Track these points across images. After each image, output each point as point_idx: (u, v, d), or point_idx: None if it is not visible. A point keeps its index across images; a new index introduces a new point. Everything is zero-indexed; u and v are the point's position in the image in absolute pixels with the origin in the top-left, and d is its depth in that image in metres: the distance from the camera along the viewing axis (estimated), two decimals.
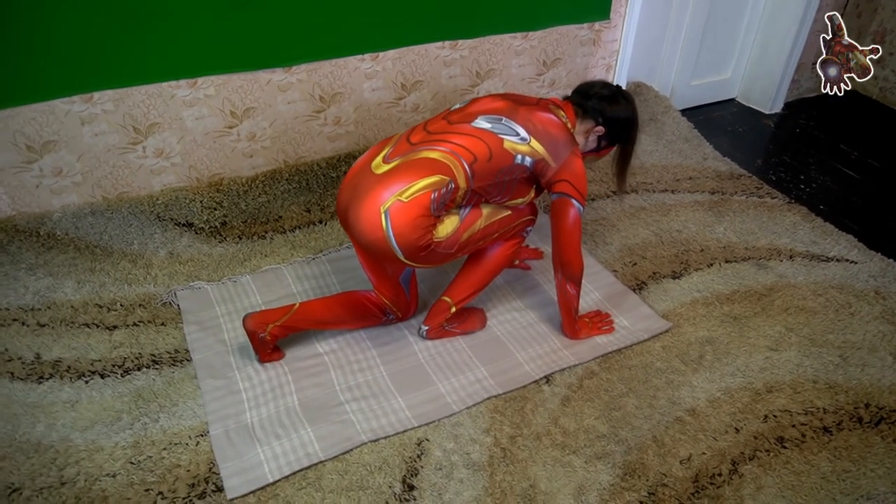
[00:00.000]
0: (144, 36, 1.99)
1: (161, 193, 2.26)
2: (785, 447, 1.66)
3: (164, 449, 1.61)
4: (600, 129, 1.80)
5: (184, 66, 2.09)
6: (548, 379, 1.83)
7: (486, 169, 1.68)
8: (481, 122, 1.70)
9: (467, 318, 1.98)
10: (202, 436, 1.65)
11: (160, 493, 1.51)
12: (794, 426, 1.72)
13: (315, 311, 1.86)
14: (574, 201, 1.73)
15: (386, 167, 1.67)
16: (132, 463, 1.57)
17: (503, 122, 1.70)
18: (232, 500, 1.51)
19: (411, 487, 1.55)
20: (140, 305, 2.03)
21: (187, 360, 1.87)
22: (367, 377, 1.83)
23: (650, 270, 2.24)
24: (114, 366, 1.83)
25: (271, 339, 1.81)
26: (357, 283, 2.11)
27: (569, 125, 1.76)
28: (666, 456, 1.63)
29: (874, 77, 3.45)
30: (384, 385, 1.81)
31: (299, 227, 2.38)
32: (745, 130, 3.21)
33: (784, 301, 2.11)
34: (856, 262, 2.28)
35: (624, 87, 1.88)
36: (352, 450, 1.63)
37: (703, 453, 1.64)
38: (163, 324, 1.98)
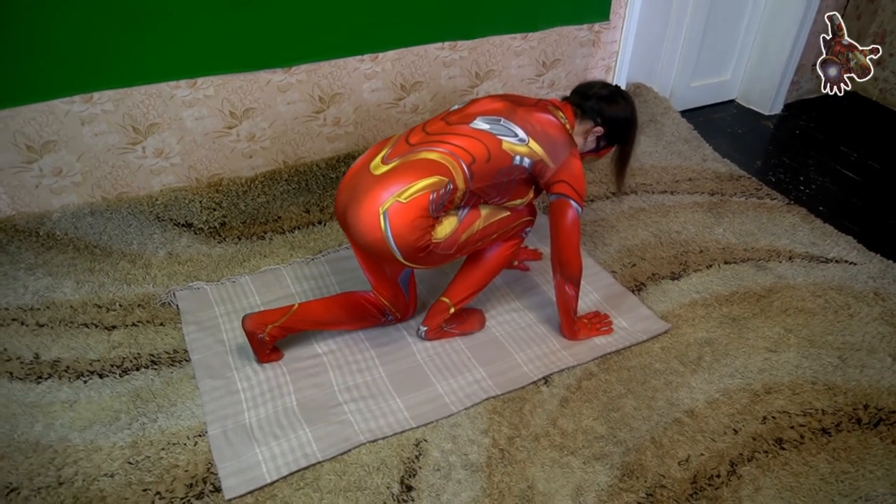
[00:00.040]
0: (144, 36, 1.99)
1: (160, 194, 2.26)
2: (783, 448, 1.66)
3: (163, 449, 1.61)
4: (599, 129, 1.80)
5: (183, 67, 2.10)
6: (546, 380, 1.83)
7: (484, 170, 1.68)
8: (480, 123, 1.71)
9: (466, 319, 1.98)
10: (200, 436, 1.65)
11: (158, 493, 1.51)
12: (792, 427, 1.72)
13: (314, 311, 1.86)
14: (572, 202, 1.73)
15: (385, 168, 1.67)
16: (130, 463, 1.57)
17: (502, 123, 1.71)
18: (230, 500, 1.51)
19: (409, 488, 1.55)
20: (139, 305, 2.03)
21: (186, 361, 1.87)
22: (365, 378, 1.83)
23: (649, 271, 2.24)
24: (112, 366, 1.83)
25: (270, 339, 1.81)
26: (356, 284, 2.11)
27: (567, 126, 1.76)
28: (664, 457, 1.63)
29: (874, 78, 3.46)
30: (383, 386, 1.81)
31: (298, 228, 2.38)
32: (745, 132, 3.21)
33: (783, 302, 2.11)
34: (855, 264, 2.28)
35: (623, 88, 1.88)
36: (350, 450, 1.63)
37: (702, 454, 1.64)
38: (161, 324, 1.98)
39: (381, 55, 2.38)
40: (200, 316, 2.01)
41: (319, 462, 1.60)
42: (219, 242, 2.29)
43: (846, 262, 2.29)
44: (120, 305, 2.02)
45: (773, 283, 2.19)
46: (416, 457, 1.62)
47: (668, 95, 3.18)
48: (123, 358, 1.86)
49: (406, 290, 1.91)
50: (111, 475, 1.55)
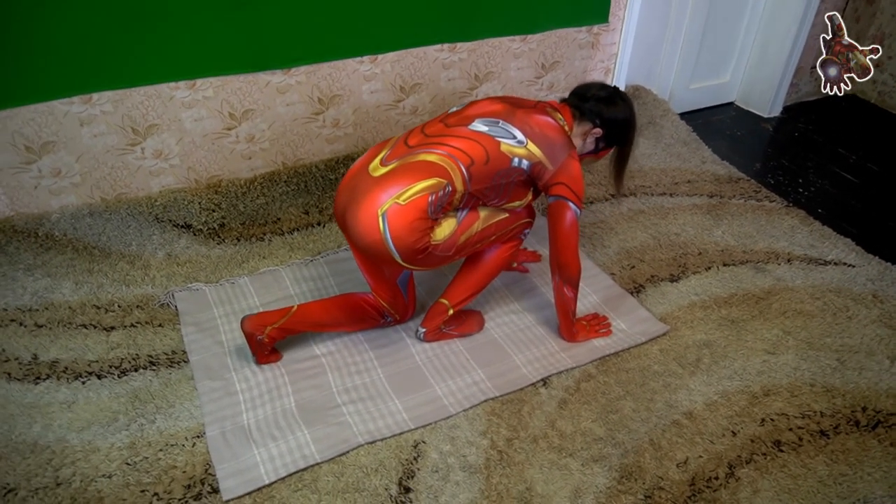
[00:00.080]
0: (144, 37, 1.99)
1: (159, 195, 2.26)
2: (782, 451, 1.66)
3: (161, 450, 1.61)
4: (598, 130, 1.80)
5: (183, 68, 2.10)
6: (545, 382, 1.83)
7: (483, 172, 1.68)
8: (478, 125, 1.71)
9: (465, 321, 1.98)
10: (199, 437, 1.65)
11: (156, 494, 1.51)
12: (791, 430, 1.72)
13: (313, 313, 1.86)
14: (571, 204, 1.73)
15: (383, 170, 1.67)
16: (128, 464, 1.57)
17: (500, 125, 1.71)
18: (228, 501, 1.51)
19: (407, 490, 1.55)
20: (138, 306, 2.03)
21: (184, 362, 1.87)
22: (364, 379, 1.83)
23: (648, 273, 2.24)
24: (111, 367, 1.83)
25: (269, 341, 1.81)
26: (355, 286, 2.11)
27: (566, 128, 1.77)
28: (663, 459, 1.63)
29: (873, 81, 3.47)
30: (381, 387, 1.81)
31: (297, 229, 2.39)
32: (744, 134, 3.21)
33: (782, 304, 2.11)
34: (854, 266, 2.28)
35: (622, 90, 1.88)
36: (348, 452, 1.62)
37: (700, 456, 1.64)
38: (160, 325, 1.98)
39: (380, 57, 2.39)
40: (199, 317, 2.01)
41: (318, 463, 1.59)
42: (218, 244, 2.29)
43: (845, 264, 2.30)
44: (119, 306, 2.02)
45: (772, 286, 2.19)
46: (415, 458, 1.62)
47: (668, 98, 3.19)
48: (122, 359, 1.86)
49: (405, 292, 1.91)
50: (109, 476, 1.54)
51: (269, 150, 2.39)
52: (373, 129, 2.54)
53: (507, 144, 1.69)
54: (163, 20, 1.99)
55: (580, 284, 1.93)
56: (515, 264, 2.24)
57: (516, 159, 1.70)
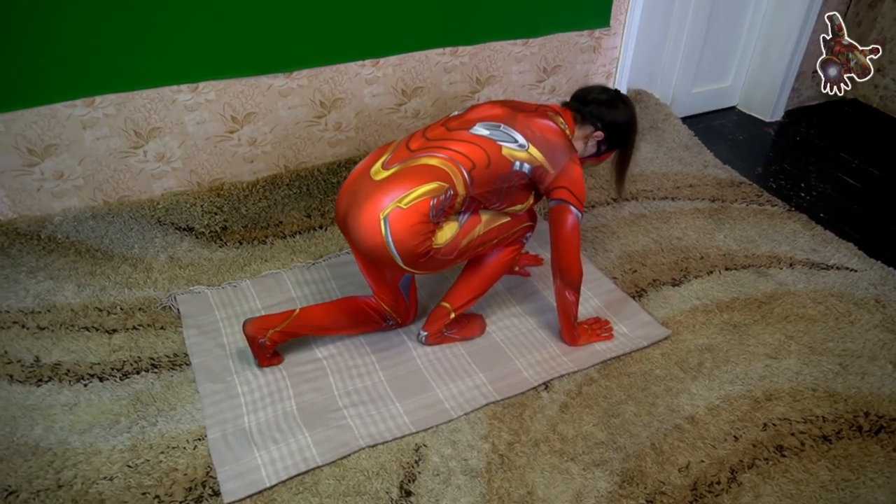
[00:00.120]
0: (146, 40, 2.00)
1: (162, 198, 2.26)
2: (784, 456, 1.66)
3: (162, 453, 1.61)
4: (599, 133, 1.80)
5: (185, 71, 2.10)
6: (546, 385, 1.83)
7: (484, 175, 1.68)
8: (480, 129, 1.71)
9: (466, 324, 1.98)
10: (200, 440, 1.65)
11: (157, 496, 1.51)
12: (793, 434, 1.71)
13: (315, 316, 1.86)
14: (572, 208, 1.73)
15: (385, 173, 1.67)
16: (129, 466, 1.57)
17: (501, 128, 1.71)
18: None
19: (408, 493, 1.54)
20: (140, 309, 2.04)
21: (186, 364, 1.87)
22: (365, 382, 1.83)
23: (650, 277, 2.24)
24: (113, 369, 1.83)
25: (271, 344, 1.81)
26: (357, 289, 2.12)
27: (567, 131, 1.77)
28: (664, 464, 1.63)
29: (874, 85, 3.47)
30: (382, 390, 1.81)
31: (299, 233, 2.39)
32: (746, 138, 3.21)
33: (784, 309, 2.11)
34: (856, 271, 2.28)
35: (623, 93, 1.88)
36: (349, 455, 1.62)
37: (702, 461, 1.64)
38: (162, 328, 1.98)
39: (382, 60, 2.39)
40: (201, 320, 2.01)
41: (319, 466, 1.59)
42: (220, 247, 2.30)
43: (847, 268, 2.29)
44: (121, 309, 2.03)
45: (774, 290, 2.19)
46: (416, 462, 1.62)
47: (669, 102, 3.19)
48: (124, 361, 1.86)
49: (407, 295, 1.91)
50: (110, 478, 1.54)
51: (271, 153, 2.39)
52: (375, 133, 2.54)
53: (508, 148, 1.69)
54: (165, 24, 1.99)
55: (582, 288, 1.93)
56: (517, 268, 2.24)
57: (517, 163, 1.70)
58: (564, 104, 1.86)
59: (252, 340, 1.79)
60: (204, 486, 1.54)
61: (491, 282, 1.91)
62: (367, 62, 2.37)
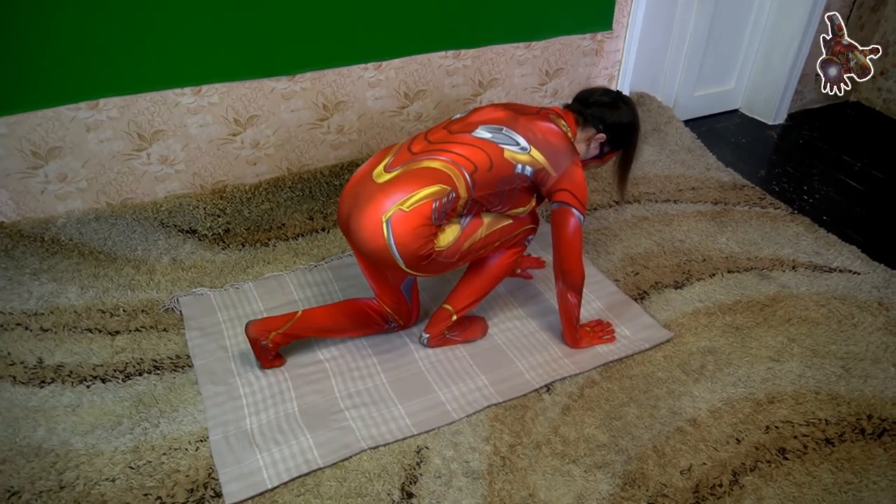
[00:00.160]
0: (150, 43, 2.01)
1: (165, 200, 2.27)
2: (786, 458, 1.65)
3: (164, 454, 1.61)
4: (602, 136, 1.80)
5: (188, 74, 2.11)
6: (548, 388, 1.83)
7: (486, 178, 1.68)
8: (482, 132, 1.71)
9: (468, 327, 1.98)
10: (202, 441, 1.65)
11: (159, 498, 1.52)
12: (795, 437, 1.71)
13: (317, 318, 1.86)
14: (574, 210, 1.73)
15: (387, 176, 1.67)
16: (131, 468, 1.58)
17: (503, 131, 1.71)
18: None
19: (410, 495, 1.54)
20: (143, 311, 2.04)
21: (188, 366, 1.87)
22: (367, 384, 1.83)
23: (652, 280, 2.24)
24: (115, 371, 1.84)
25: (273, 346, 1.81)
26: (359, 291, 2.12)
27: (569, 134, 1.77)
28: (666, 466, 1.63)
29: (878, 88, 3.46)
30: (384, 392, 1.81)
31: (302, 235, 2.39)
32: (749, 141, 3.21)
33: (786, 312, 2.10)
34: (859, 273, 2.28)
35: (624, 94, 1.88)
36: (351, 457, 1.62)
37: (704, 464, 1.64)
38: (165, 329, 1.99)
39: (384, 63, 2.40)
40: (203, 322, 2.01)
41: (320, 468, 1.59)
42: (222, 249, 2.30)
43: (850, 271, 2.29)
44: (124, 311, 2.03)
45: (777, 293, 2.18)
46: (418, 464, 1.62)
47: (672, 105, 3.19)
48: (126, 363, 1.86)
49: (409, 298, 1.91)
50: (112, 479, 1.55)
51: (273, 155, 2.40)
52: (377, 136, 2.55)
53: (510, 151, 1.69)
54: (168, 27, 2.00)
55: (584, 291, 1.93)
56: (519, 270, 2.24)
57: (519, 166, 1.70)
58: (566, 107, 1.86)
59: (254, 342, 1.79)
60: (206, 488, 1.54)
61: (493, 284, 1.91)
62: (370, 65, 2.38)
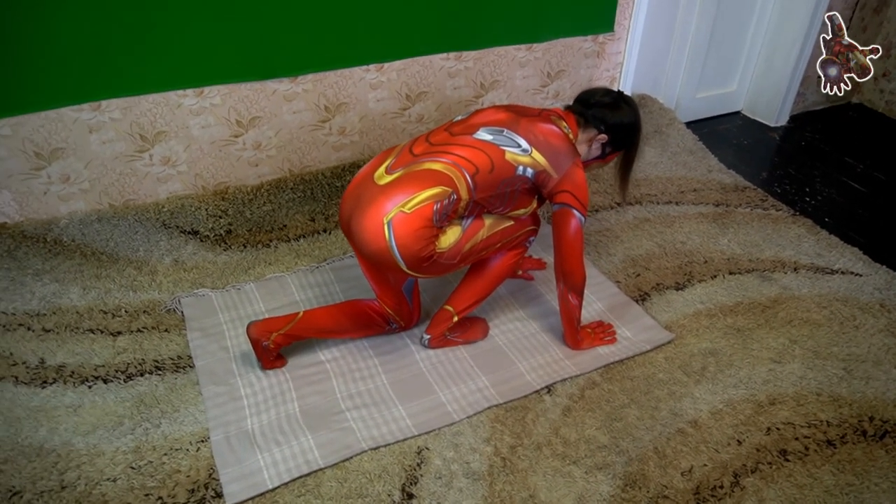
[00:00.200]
0: (152, 45, 2.02)
1: (167, 201, 2.28)
2: (788, 460, 1.65)
3: (165, 454, 1.62)
4: (603, 136, 1.80)
5: (190, 76, 2.12)
6: (549, 389, 1.83)
7: (487, 180, 1.68)
8: (483, 134, 1.71)
9: (469, 328, 1.98)
10: (203, 441, 1.66)
11: (160, 498, 1.52)
12: (797, 439, 1.70)
13: (318, 319, 1.86)
14: (576, 212, 1.73)
15: (389, 178, 1.68)
16: (133, 468, 1.58)
17: (505, 133, 1.71)
18: None
19: (410, 496, 1.54)
20: (144, 312, 2.05)
21: (190, 367, 1.87)
22: (368, 385, 1.83)
23: (653, 281, 2.24)
24: (117, 371, 1.84)
25: (275, 347, 1.81)
26: (360, 292, 2.12)
27: (571, 136, 1.77)
28: (667, 467, 1.63)
29: (880, 90, 3.46)
30: (385, 393, 1.81)
31: (303, 236, 2.40)
32: (751, 143, 3.21)
33: (788, 313, 2.10)
34: (861, 275, 2.27)
35: (626, 94, 1.88)
36: (351, 457, 1.62)
37: (705, 465, 1.63)
38: (166, 330, 1.99)
39: (386, 65, 2.40)
40: (205, 322, 2.02)
41: (321, 469, 1.60)
42: (224, 250, 2.31)
43: (852, 273, 2.29)
44: (125, 311, 2.04)
45: (778, 294, 2.18)
46: (418, 464, 1.62)
47: (674, 107, 3.19)
48: (128, 363, 1.87)
49: (410, 299, 1.91)
50: (114, 480, 1.55)
51: (275, 157, 2.40)
52: (379, 137, 2.55)
53: (511, 153, 1.69)
54: (170, 28, 2.01)
55: (585, 292, 1.93)
56: (520, 272, 2.24)
57: (521, 168, 1.70)
58: (567, 108, 1.86)
59: (256, 343, 1.80)
60: (207, 488, 1.55)
61: (494, 285, 1.91)
62: (372, 67, 2.38)
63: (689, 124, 3.18)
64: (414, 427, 1.71)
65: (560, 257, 1.80)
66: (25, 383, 1.78)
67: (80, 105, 2.03)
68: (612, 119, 1.79)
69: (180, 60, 2.08)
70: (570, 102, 1.90)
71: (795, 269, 2.30)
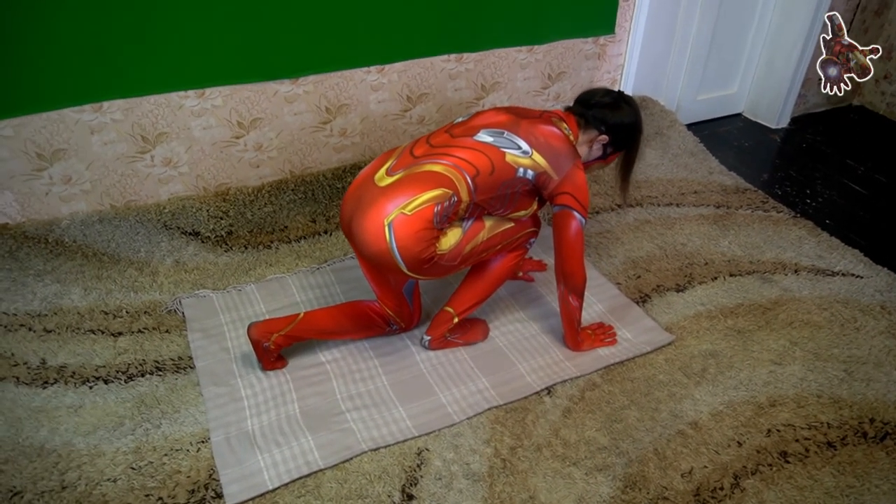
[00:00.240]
0: (154, 46, 2.02)
1: (168, 202, 2.28)
2: (788, 462, 1.65)
3: (166, 455, 1.62)
4: (604, 137, 1.80)
5: (192, 77, 2.12)
6: (549, 390, 1.83)
7: (488, 182, 1.69)
8: (483, 136, 1.71)
9: (470, 329, 1.98)
10: (203, 442, 1.66)
11: (160, 498, 1.52)
12: (797, 441, 1.70)
13: (319, 320, 1.87)
14: (576, 213, 1.74)
15: (389, 180, 1.68)
16: (133, 468, 1.58)
17: (505, 135, 1.71)
18: None
19: (410, 497, 1.54)
20: (145, 312, 2.05)
21: (190, 368, 1.88)
22: (368, 386, 1.83)
23: (654, 283, 2.24)
24: (118, 372, 1.84)
25: (275, 348, 1.81)
26: (361, 293, 2.12)
27: (571, 137, 1.77)
28: (667, 469, 1.62)
29: (881, 92, 3.46)
30: (385, 394, 1.81)
31: (304, 237, 2.40)
32: (752, 145, 3.21)
33: (788, 315, 2.10)
34: (862, 277, 2.27)
35: (626, 93, 1.88)
36: (351, 458, 1.63)
37: (705, 467, 1.63)
38: (167, 331, 1.99)
39: (387, 67, 2.41)
40: (206, 323, 2.02)
41: (321, 470, 1.60)
42: (225, 251, 2.31)
43: (852, 275, 2.28)
44: (126, 312, 2.04)
45: (779, 296, 2.18)
46: (418, 465, 1.62)
47: (675, 109, 3.19)
48: (129, 364, 1.87)
49: (410, 301, 1.91)
50: (114, 480, 1.55)
51: (276, 158, 2.41)
52: (380, 139, 2.56)
53: (512, 155, 1.70)
54: (172, 30, 2.02)
55: (585, 294, 1.93)
56: (521, 273, 2.24)
57: (521, 170, 1.70)
58: (568, 109, 1.86)
59: (256, 344, 1.80)
60: (207, 489, 1.55)
61: (494, 287, 1.91)
62: (373, 68, 2.39)
63: (690, 126, 3.18)
64: (414, 428, 1.71)
65: (560, 259, 1.80)
66: (27, 384, 1.79)
67: (82, 106, 2.03)
68: (612, 119, 1.79)
69: (182, 61, 2.08)
70: (571, 104, 1.90)
71: (796, 271, 2.29)
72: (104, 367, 1.86)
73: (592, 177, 2.72)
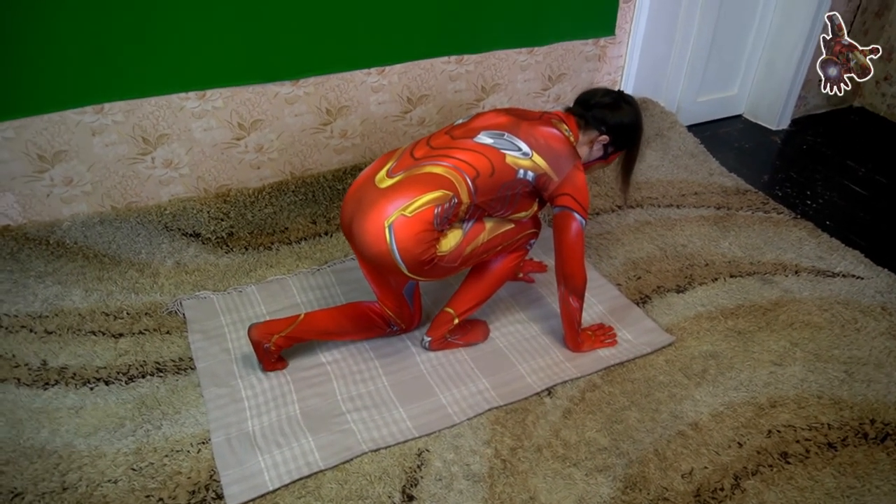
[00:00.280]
0: (155, 48, 2.03)
1: (169, 203, 2.29)
2: (788, 462, 1.65)
3: (166, 456, 1.62)
4: (605, 137, 1.80)
5: (193, 79, 2.13)
6: (550, 391, 1.83)
7: (488, 184, 1.69)
8: (483, 138, 1.72)
9: (470, 330, 1.98)
10: (204, 443, 1.66)
11: (161, 499, 1.52)
12: (798, 441, 1.70)
13: (320, 321, 1.87)
14: (576, 215, 1.74)
15: (390, 181, 1.68)
16: (134, 469, 1.58)
17: (505, 137, 1.72)
18: None
19: (411, 498, 1.54)
20: (146, 314, 2.05)
21: (191, 369, 1.88)
22: (368, 387, 1.84)
23: (654, 284, 2.24)
24: (118, 373, 1.85)
25: (276, 349, 1.82)
26: (361, 295, 2.12)
27: (571, 138, 1.77)
28: (667, 470, 1.62)
29: (882, 94, 3.46)
30: (386, 395, 1.81)
31: (305, 239, 2.40)
32: (752, 146, 3.21)
33: (789, 316, 2.10)
34: (862, 278, 2.27)
35: (626, 93, 1.88)
36: (352, 459, 1.63)
37: (706, 467, 1.63)
38: (168, 332, 2.00)
39: (387, 68, 2.41)
40: (206, 325, 2.02)
41: (321, 470, 1.60)
42: (226, 252, 2.31)
43: (853, 276, 2.28)
44: (127, 314, 2.04)
45: (779, 297, 2.18)
46: (418, 466, 1.62)
47: (675, 110, 3.19)
48: (129, 365, 1.87)
49: (411, 302, 1.92)
50: (115, 481, 1.55)
51: (277, 160, 2.41)
52: (380, 140, 2.56)
53: (512, 157, 1.70)
54: (173, 32, 2.02)
55: (586, 295, 1.93)
56: (521, 274, 2.25)
57: (521, 171, 1.71)
58: (568, 110, 1.86)
59: (257, 345, 1.80)
60: (207, 490, 1.55)
61: (495, 288, 1.91)
62: (373, 70, 2.39)
63: (691, 128, 3.18)
64: (414, 429, 1.71)
65: (561, 260, 1.80)
66: (27, 385, 1.79)
67: (83, 108, 2.04)
68: (612, 119, 1.79)
69: (182, 63, 2.09)
70: (571, 105, 1.90)
71: (797, 272, 2.30)
72: (105, 368, 1.86)
73: (593, 178, 2.72)
